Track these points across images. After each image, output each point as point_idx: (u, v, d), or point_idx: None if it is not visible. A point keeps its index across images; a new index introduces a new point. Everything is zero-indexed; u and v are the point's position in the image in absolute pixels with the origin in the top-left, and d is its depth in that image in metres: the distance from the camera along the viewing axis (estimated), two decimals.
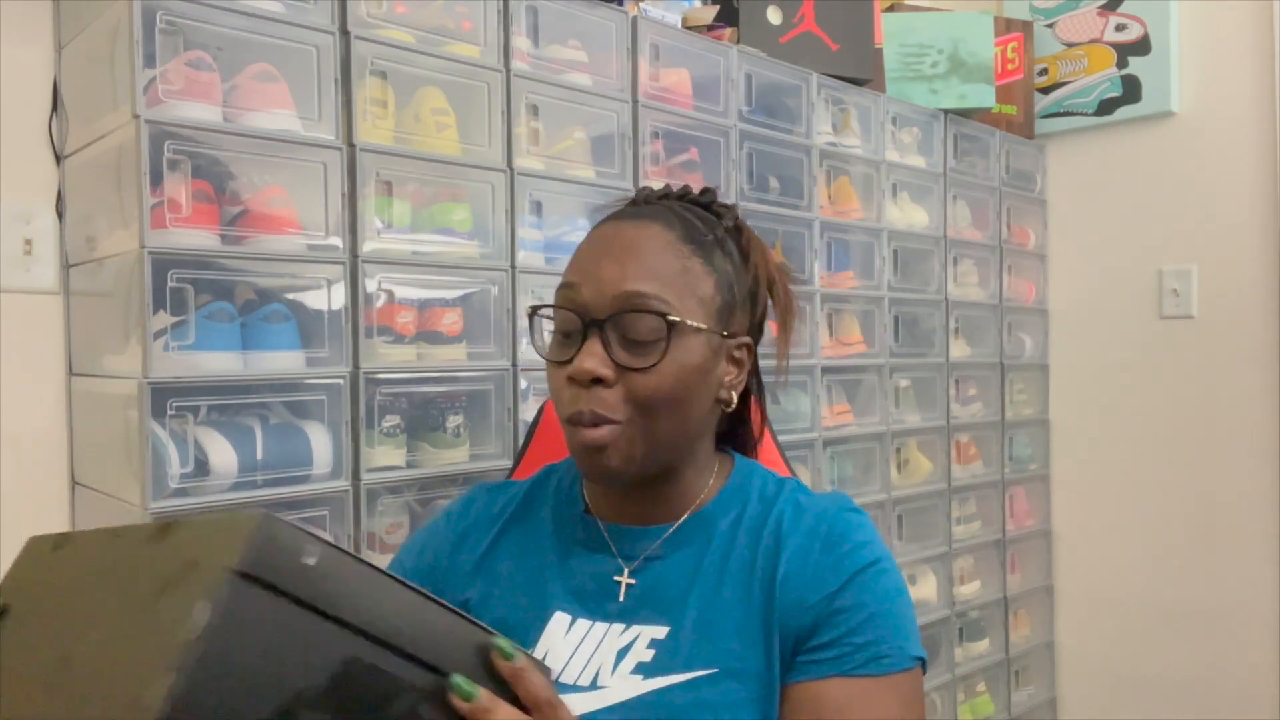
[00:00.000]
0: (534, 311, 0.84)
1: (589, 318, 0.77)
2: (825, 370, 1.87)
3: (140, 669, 0.41)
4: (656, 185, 0.91)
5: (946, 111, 2.19)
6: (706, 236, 0.82)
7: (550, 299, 0.82)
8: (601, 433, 0.76)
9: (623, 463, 0.78)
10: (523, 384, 1.37)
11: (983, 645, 2.26)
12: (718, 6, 1.76)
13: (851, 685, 0.74)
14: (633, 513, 0.84)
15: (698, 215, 0.84)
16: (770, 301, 0.89)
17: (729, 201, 0.90)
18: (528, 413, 1.36)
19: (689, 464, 0.84)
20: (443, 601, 0.53)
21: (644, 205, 0.86)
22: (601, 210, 0.88)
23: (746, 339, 0.85)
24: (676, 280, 0.78)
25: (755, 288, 0.86)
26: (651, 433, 0.78)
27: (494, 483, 0.97)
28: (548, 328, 0.84)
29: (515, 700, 0.55)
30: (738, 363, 0.85)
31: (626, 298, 0.76)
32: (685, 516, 0.84)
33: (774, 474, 0.88)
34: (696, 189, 0.90)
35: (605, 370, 0.76)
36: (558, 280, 0.82)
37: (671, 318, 0.77)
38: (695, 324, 0.78)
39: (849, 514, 0.82)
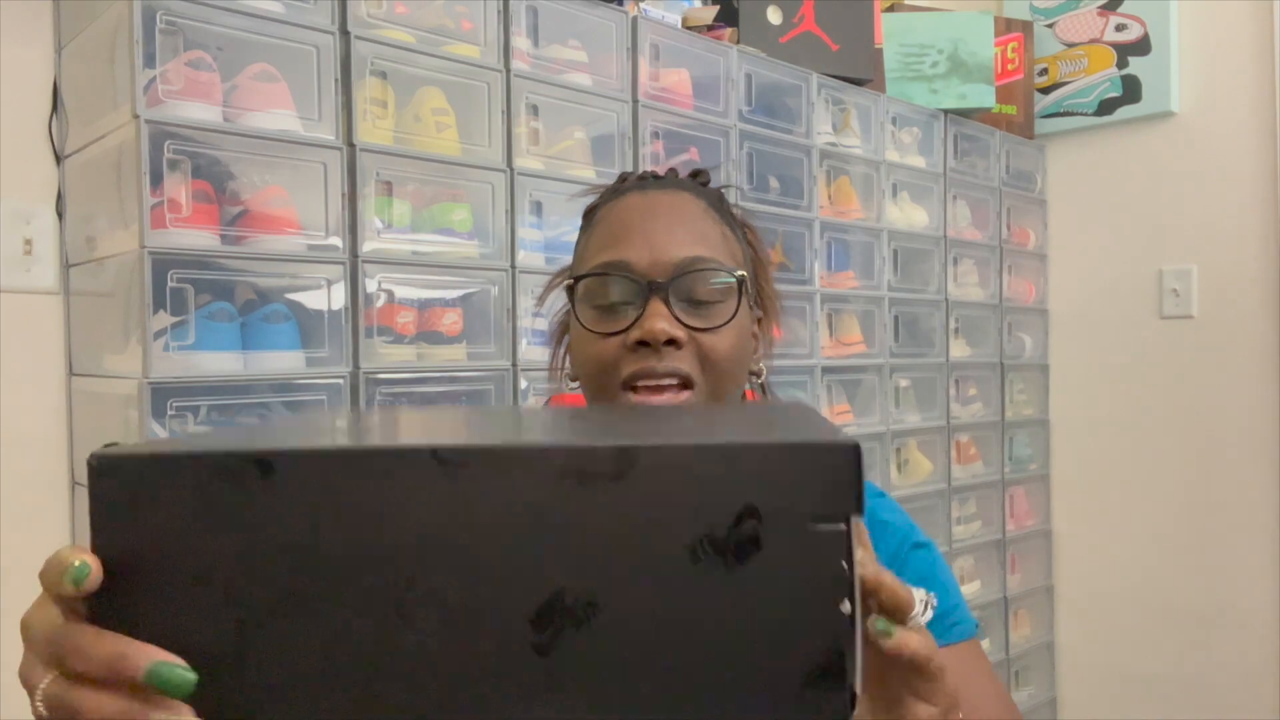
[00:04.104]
0: (576, 281, 0.76)
1: (647, 281, 0.73)
2: (825, 370, 1.87)
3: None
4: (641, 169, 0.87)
5: (946, 111, 2.19)
6: (724, 208, 0.82)
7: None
8: (669, 397, 0.72)
9: None
10: (523, 384, 1.37)
11: (983, 645, 2.26)
12: (718, 6, 1.76)
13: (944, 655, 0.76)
14: None
15: (707, 192, 0.83)
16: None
17: (714, 183, 0.88)
18: None
19: None
20: None
21: (654, 180, 0.82)
22: (590, 194, 0.85)
23: (760, 313, 0.85)
24: (721, 246, 0.77)
25: (755, 264, 0.86)
26: (715, 399, 0.75)
27: None
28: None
29: None
30: (755, 337, 0.84)
31: (690, 261, 0.73)
32: None
33: None
34: (683, 172, 0.87)
35: (678, 331, 0.72)
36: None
37: (739, 273, 0.75)
38: (749, 285, 0.77)
39: (884, 498, 0.83)
